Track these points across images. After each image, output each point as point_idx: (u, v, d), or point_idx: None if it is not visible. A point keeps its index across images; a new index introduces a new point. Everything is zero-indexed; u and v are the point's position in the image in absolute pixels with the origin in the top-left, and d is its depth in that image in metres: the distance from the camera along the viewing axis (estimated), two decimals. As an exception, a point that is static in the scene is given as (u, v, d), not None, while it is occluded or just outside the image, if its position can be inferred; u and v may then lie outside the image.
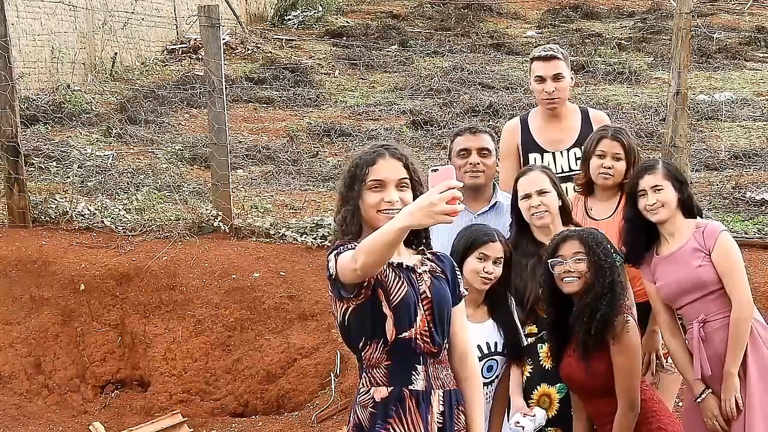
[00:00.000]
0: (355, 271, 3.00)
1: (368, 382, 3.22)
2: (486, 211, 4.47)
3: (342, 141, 10.33)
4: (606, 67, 12.87)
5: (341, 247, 3.13)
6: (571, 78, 4.97)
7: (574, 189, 4.66)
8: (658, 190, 4.09)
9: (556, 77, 4.84)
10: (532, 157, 4.87)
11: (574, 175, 4.70)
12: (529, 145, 4.88)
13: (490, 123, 10.41)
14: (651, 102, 11.26)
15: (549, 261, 3.87)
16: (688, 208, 4.16)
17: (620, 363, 3.76)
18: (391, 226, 2.90)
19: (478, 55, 14.40)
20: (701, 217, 4.24)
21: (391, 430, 3.16)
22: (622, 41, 14.98)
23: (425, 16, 17.53)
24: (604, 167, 4.40)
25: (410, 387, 3.18)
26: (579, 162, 4.68)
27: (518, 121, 5.04)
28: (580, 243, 3.83)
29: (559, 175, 4.61)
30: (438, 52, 14.62)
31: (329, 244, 3.44)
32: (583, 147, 4.59)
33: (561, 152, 4.82)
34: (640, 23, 16.19)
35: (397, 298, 3.15)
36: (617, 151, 4.39)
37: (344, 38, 15.49)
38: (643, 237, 4.18)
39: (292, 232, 7.32)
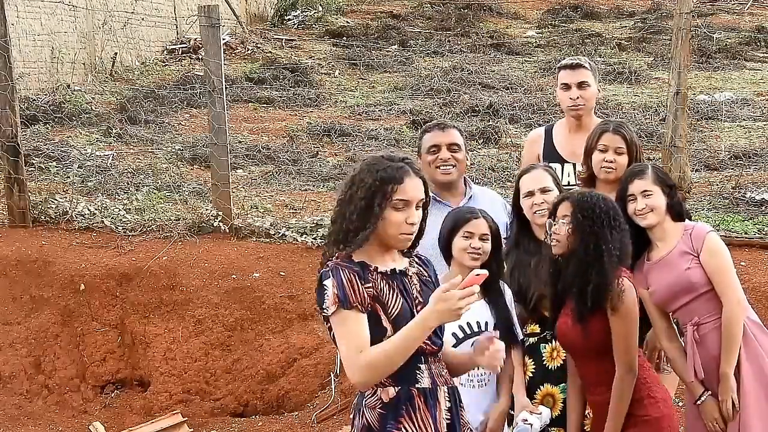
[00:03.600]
0: (360, 370, 3.06)
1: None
2: (464, 203, 4.47)
3: (342, 141, 10.32)
4: (606, 67, 12.85)
5: (343, 280, 3.08)
6: (598, 90, 4.98)
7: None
8: (648, 195, 4.07)
9: (581, 85, 4.85)
10: (552, 166, 4.83)
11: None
12: (550, 154, 4.86)
13: (490, 123, 10.42)
14: (651, 102, 11.26)
15: (547, 221, 3.86)
16: (677, 212, 4.15)
17: (617, 328, 3.73)
18: (423, 328, 3.02)
19: (478, 55, 14.40)
20: (689, 220, 4.24)
21: (403, 429, 3.16)
22: (622, 41, 14.98)
23: (425, 16, 17.54)
24: (607, 161, 4.40)
25: (417, 385, 3.19)
26: None
27: (542, 131, 5.06)
28: (571, 205, 3.79)
29: (575, 185, 4.58)
30: (438, 52, 14.62)
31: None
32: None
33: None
34: (640, 23, 16.20)
35: (394, 312, 3.15)
36: (619, 145, 4.39)
37: (344, 38, 15.48)
38: (633, 242, 4.17)
39: (292, 232, 7.31)
